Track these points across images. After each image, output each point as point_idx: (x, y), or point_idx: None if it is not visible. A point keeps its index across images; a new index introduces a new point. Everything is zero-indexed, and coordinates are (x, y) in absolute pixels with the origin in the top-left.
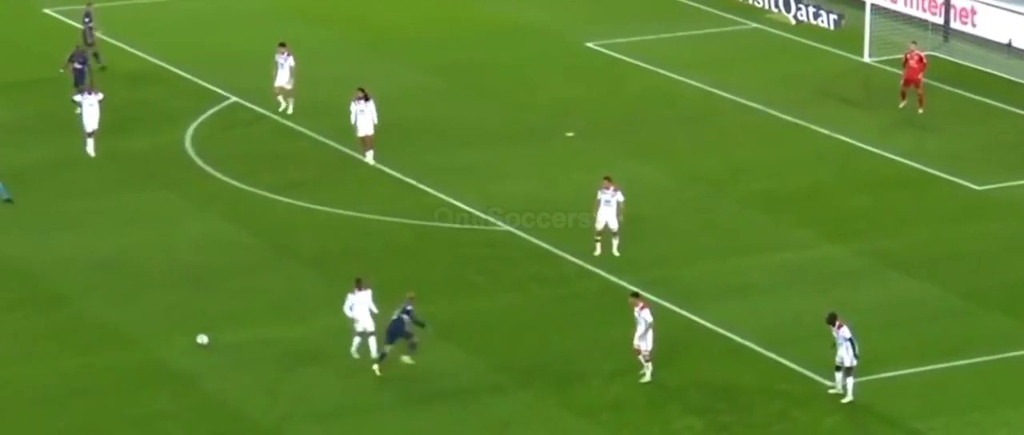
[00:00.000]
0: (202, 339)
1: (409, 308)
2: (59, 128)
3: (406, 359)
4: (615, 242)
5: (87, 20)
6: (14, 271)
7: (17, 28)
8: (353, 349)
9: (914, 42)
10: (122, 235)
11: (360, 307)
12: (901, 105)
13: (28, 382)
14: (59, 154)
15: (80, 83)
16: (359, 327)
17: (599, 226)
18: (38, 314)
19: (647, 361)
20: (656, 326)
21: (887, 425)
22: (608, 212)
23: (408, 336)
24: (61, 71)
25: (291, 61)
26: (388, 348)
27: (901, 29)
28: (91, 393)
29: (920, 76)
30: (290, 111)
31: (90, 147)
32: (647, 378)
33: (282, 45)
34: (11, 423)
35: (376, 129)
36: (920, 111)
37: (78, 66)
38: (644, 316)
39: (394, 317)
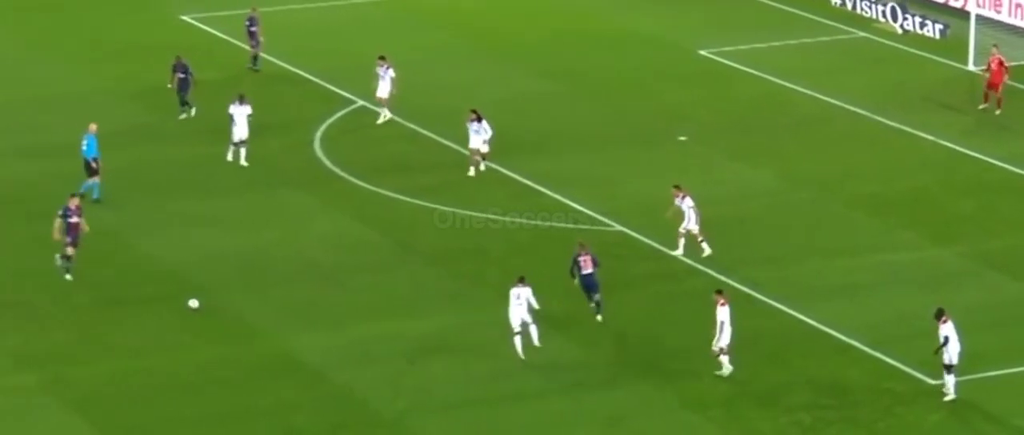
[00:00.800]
0: (193, 303)
1: (594, 256)
2: (194, 131)
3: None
4: (701, 243)
5: (249, 24)
6: (155, 267)
7: (154, 34)
8: (519, 349)
9: (995, 46)
10: (255, 233)
11: (519, 302)
12: (981, 107)
13: (166, 372)
14: (195, 155)
15: (184, 92)
16: (516, 323)
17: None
18: (177, 307)
19: (722, 355)
20: (734, 324)
21: (990, 422)
22: (687, 218)
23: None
24: (169, 86)
25: (391, 72)
26: (598, 296)
27: (1005, 39)
28: (225, 383)
29: (1001, 79)
30: (383, 119)
31: (232, 154)
32: (723, 372)
33: (382, 58)
34: (149, 410)
35: (491, 142)
36: (997, 112)
37: (181, 76)
38: (721, 314)
39: (586, 271)
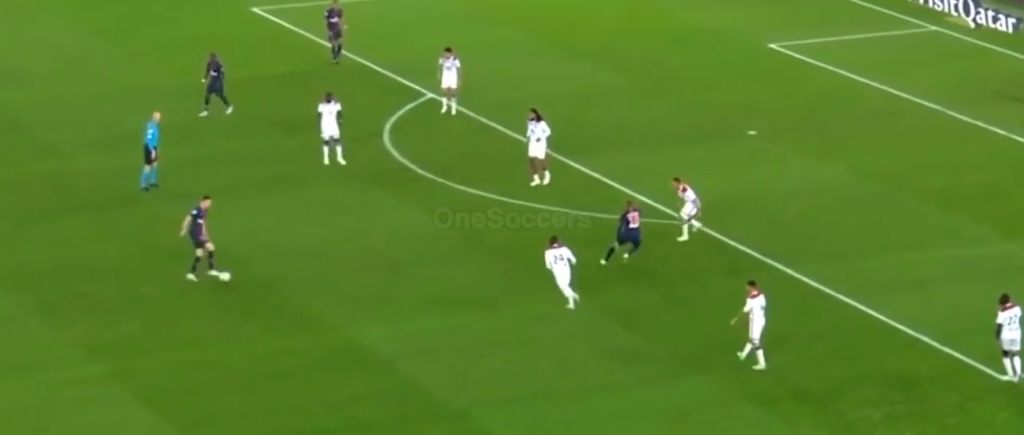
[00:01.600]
0: (224, 276)
1: (641, 211)
2: (263, 123)
3: (626, 257)
4: (685, 226)
5: (329, 16)
6: (223, 258)
7: (225, 27)
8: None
9: None
10: (324, 225)
11: (559, 263)
12: None
13: (231, 363)
14: (265, 147)
15: (215, 89)
16: (562, 284)
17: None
18: (244, 299)
19: (756, 349)
20: (766, 316)
21: None
22: (686, 209)
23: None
24: (202, 81)
25: (458, 63)
26: (617, 246)
27: None
28: (291, 375)
29: None
30: (454, 111)
31: (327, 156)
32: (760, 365)
33: (448, 49)
34: (214, 401)
35: (549, 143)
36: None
37: (213, 73)
38: (751, 304)
39: (634, 226)
